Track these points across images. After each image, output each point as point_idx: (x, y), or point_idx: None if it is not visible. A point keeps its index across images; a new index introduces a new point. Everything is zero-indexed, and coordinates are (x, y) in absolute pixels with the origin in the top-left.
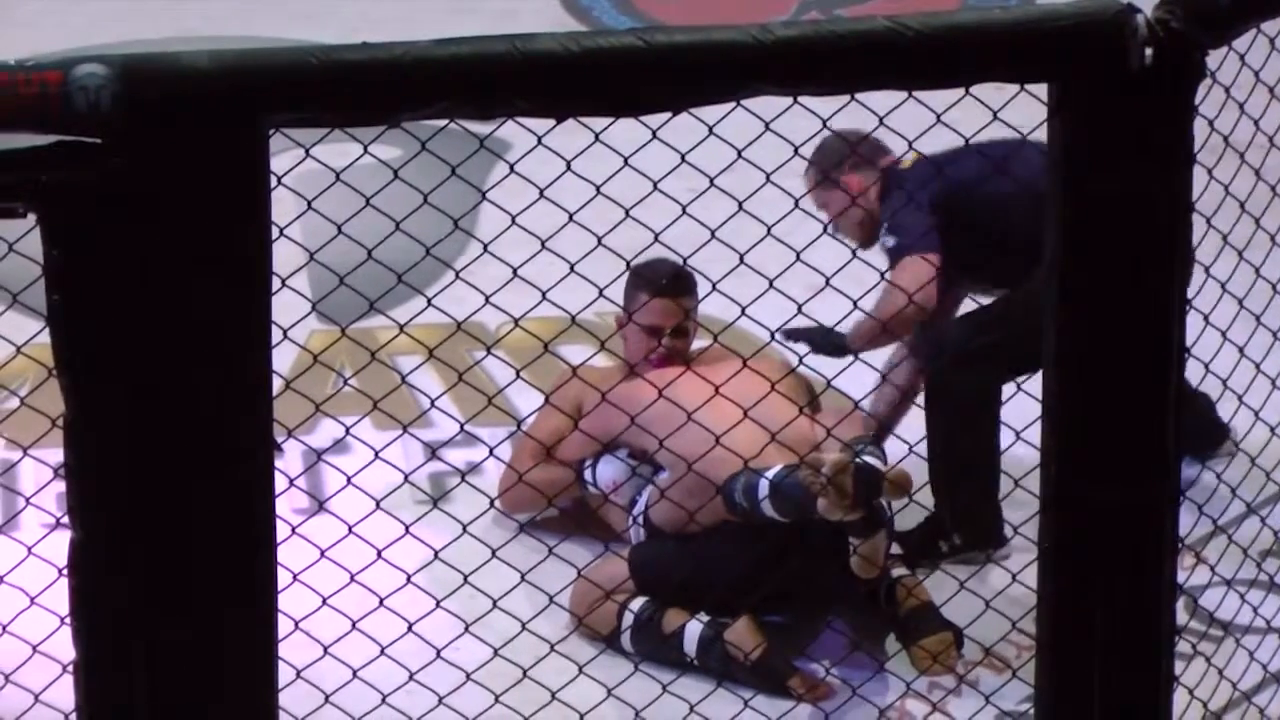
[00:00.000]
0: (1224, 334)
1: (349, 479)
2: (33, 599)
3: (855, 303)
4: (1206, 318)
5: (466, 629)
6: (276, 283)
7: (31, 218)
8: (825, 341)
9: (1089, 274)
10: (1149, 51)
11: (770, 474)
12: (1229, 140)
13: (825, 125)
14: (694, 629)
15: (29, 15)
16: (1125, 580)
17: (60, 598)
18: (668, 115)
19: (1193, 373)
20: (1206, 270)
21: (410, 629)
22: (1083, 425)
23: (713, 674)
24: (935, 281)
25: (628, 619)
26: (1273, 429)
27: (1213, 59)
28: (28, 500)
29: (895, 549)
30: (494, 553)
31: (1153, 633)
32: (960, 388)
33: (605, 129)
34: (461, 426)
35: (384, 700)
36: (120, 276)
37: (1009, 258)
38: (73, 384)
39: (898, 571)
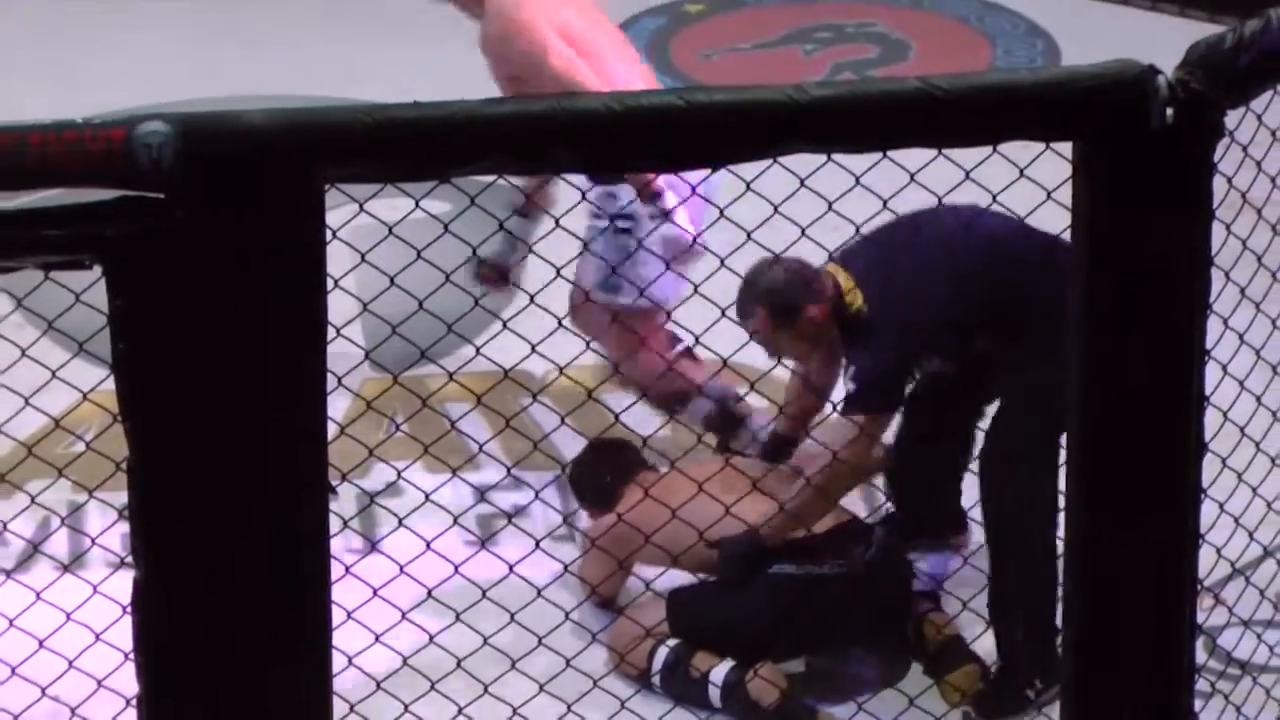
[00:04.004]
0: (1242, 383)
1: (400, 520)
2: (98, 635)
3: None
4: (1225, 367)
5: (513, 665)
6: (331, 332)
7: (97, 269)
8: (739, 550)
9: (1111, 325)
10: (1170, 111)
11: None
12: (1247, 196)
13: (858, 181)
14: (718, 674)
15: (94, 75)
16: (1146, 620)
17: (124, 634)
18: (707, 171)
19: (1211, 420)
20: (1225, 321)
21: (459, 665)
22: (1106, 471)
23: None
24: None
25: (658, 660)
26: None
27: (1231, 118)
28: (93, 540)
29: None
30: (539, 592)
31: (1173, 671)
32: (1025, 496)
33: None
34: (509, 470)
35: None
36: (182, 326)
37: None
38: (136, 429)
39: (924, 607)
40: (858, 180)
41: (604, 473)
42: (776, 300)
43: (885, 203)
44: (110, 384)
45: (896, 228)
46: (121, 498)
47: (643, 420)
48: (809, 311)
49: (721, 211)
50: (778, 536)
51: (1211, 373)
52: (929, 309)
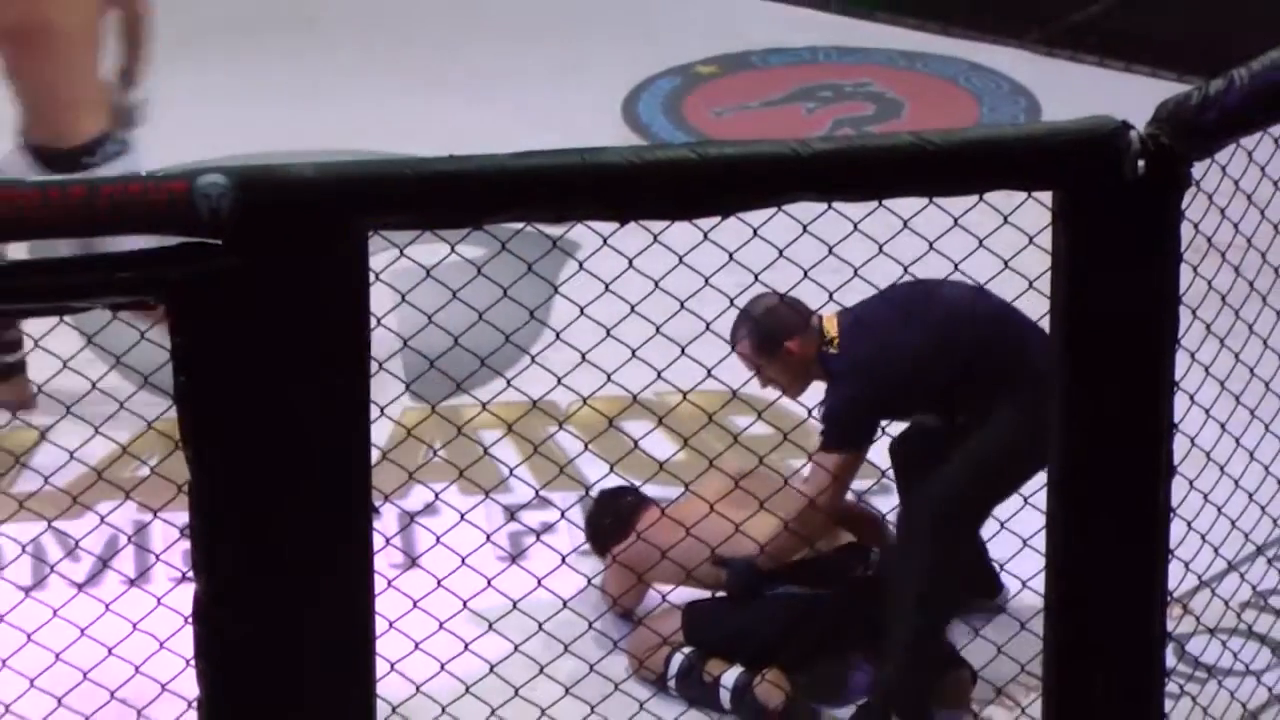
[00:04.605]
0: (1208, 412)
1: (438, 538)
2: (162, 643)
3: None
4: (1192, 398)
5: (541, 670)
6: (374, 366)
7: (160, 309)
8: (742, 574)
9: (1089, 359)
10: (1141, 163)
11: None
12: (1212, 241)
13: (856, 227)
14: (729, 679)
15: (163, 130)
16: (1121, 628)
17: (186, 642)
18: (718, 218)
19: (1180, 446)
20: (1192, 355)
21: (492, 670)
22: (1084, 493)
23: None
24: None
25: (674, 666)
26: (1250, 495)
27: (1197, 169)
28: (157, 557)
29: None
30: (565, 604)
31: (1145, 675)
32: (937, 547)
33: (663, 231)
34: (537, 492)
35: None
36: (238, 360)
37: (947, 399)
38: (196, 455)
39: None
40: (855, 226)
41: (607, 517)
42: (761, 329)
43: (881, 247)
44: (172, 414)
45: (908, 287)
46: (183, 517)
47: (660, 445)
48: (789, 344)
49: (730, 255)
50: (783, 556)
51: (1180, 402)
52: (897, 360)
